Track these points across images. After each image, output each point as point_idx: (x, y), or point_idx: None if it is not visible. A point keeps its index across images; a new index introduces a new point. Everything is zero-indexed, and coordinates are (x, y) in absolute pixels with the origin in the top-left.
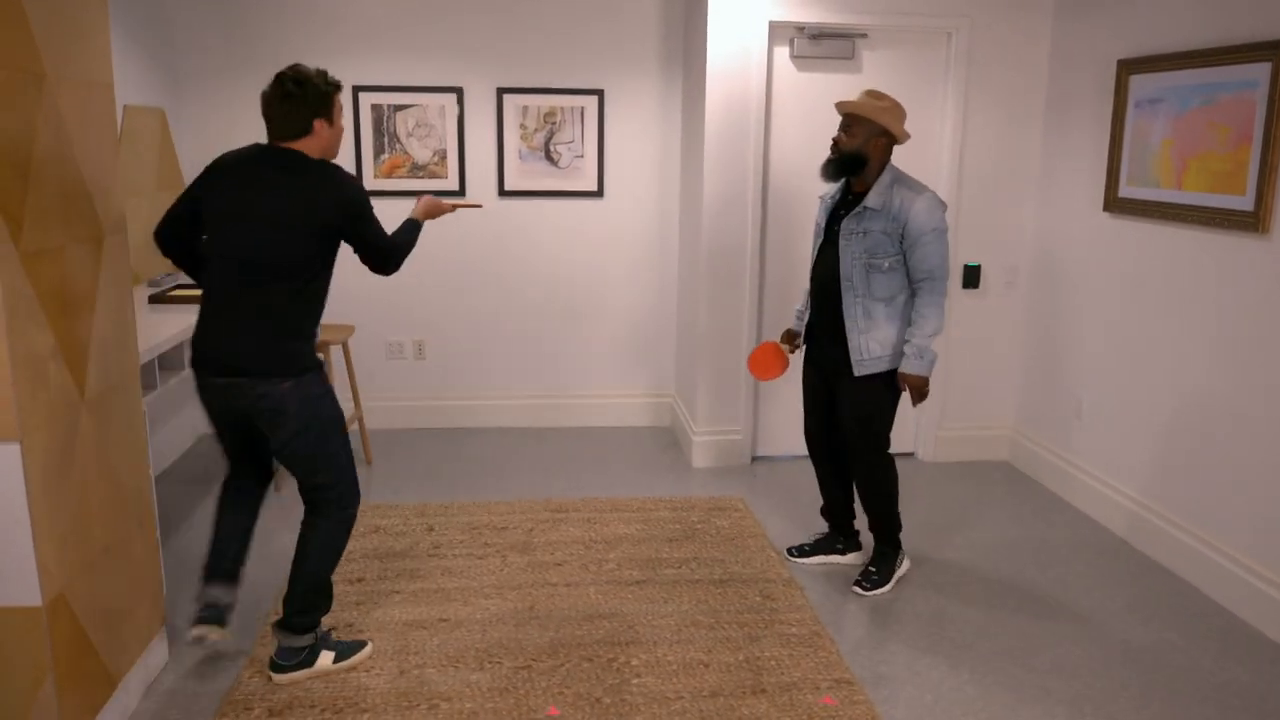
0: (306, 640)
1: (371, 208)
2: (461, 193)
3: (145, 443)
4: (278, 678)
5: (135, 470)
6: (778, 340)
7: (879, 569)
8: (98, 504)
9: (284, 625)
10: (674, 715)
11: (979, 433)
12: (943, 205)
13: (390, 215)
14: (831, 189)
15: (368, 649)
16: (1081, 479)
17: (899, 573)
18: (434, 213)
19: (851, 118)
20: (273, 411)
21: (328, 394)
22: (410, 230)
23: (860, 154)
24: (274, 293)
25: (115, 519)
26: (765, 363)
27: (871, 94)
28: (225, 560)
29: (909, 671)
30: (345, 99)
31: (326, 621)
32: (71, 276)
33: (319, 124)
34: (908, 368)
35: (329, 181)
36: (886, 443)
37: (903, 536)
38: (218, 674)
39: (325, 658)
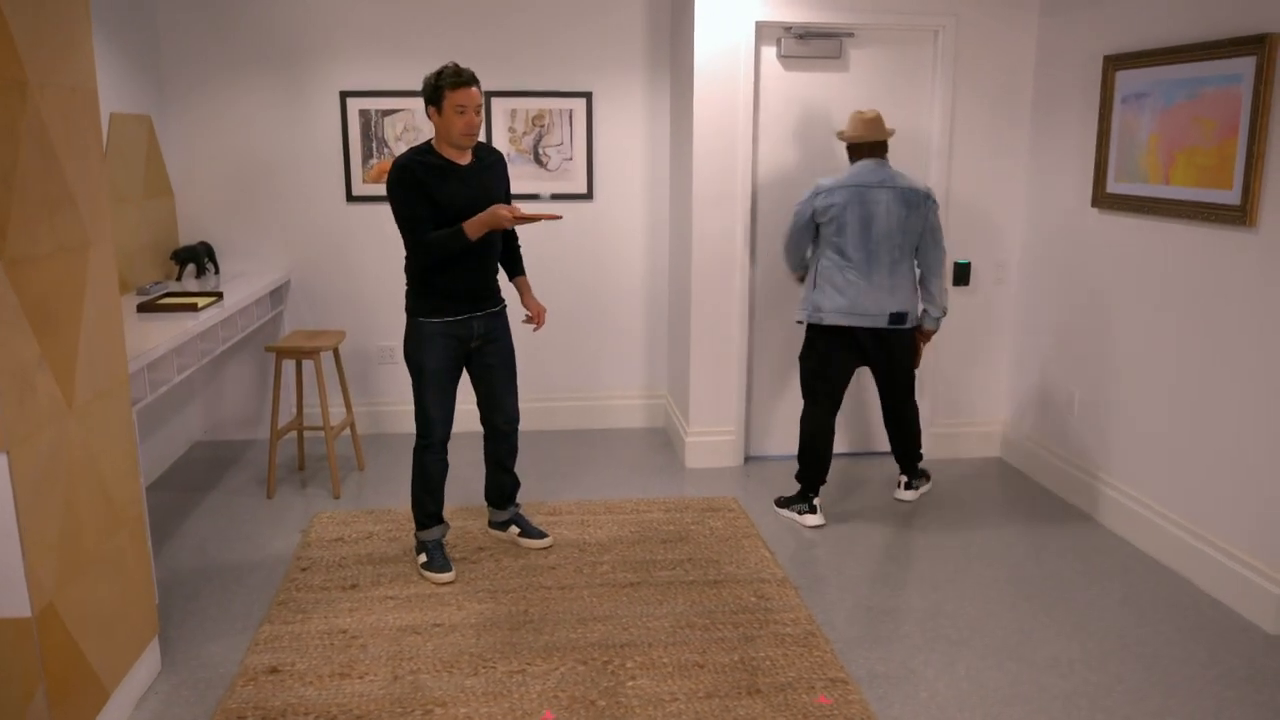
0: (417, 536)
1: (397, 190)
2: None
3: (135, 451)
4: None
5: (125, 479)
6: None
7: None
8: (87, 514)
9: None
10: (670, 717)
11: (971, 429)
12: (813, 188)
13: (379, 219)
14: None
15: (444, 576)
16: (1075, 474)
17: (796, 514)
18: (491, 224)
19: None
20: None
21: (416, 339)
22: (448, 236)
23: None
24: None
25: (105, 528)
26: None
27: (859, 117)
28: (489, 493)
29: (904, 669)
30: (331, 104)
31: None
32: (57, 285)
33: (430, 111)
34: None
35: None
36: (807, 387)
37: (898, 530)
38: (211, 683)
39: (421, 557)
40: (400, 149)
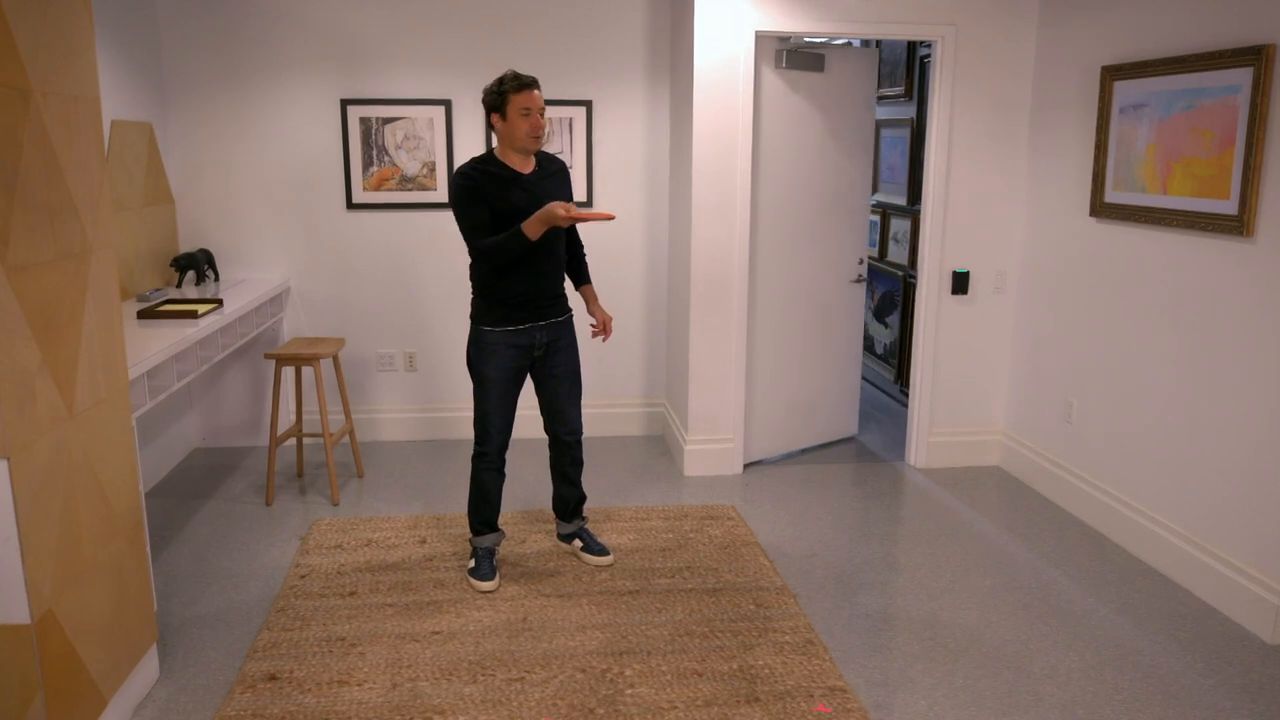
0: (470, 541)
1: (458, 199)
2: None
3: (134, 458)
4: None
5: (124, 486)
6: None
7: None
8: (86, 520)
9: None
10: None
11: (970, 438)
12: None
13: (379, 227)
14: None
15: (485, 584)
16: (1072, 483)
17: None
18: (548, 221)
19: None
20: None
21: (478, 347)
22: (507, 238)
23: None
24: None
25: (105, 535)
26: None
27: None
28: (554, 504)
29: (903, 678)
30: (331, 112)
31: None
32: (58, 292)
33: (494, 118)
34: None
35: None
36: None
37: (897, 539)
38: (209, 690)
39: (470, 563)
40: (401, 157)
